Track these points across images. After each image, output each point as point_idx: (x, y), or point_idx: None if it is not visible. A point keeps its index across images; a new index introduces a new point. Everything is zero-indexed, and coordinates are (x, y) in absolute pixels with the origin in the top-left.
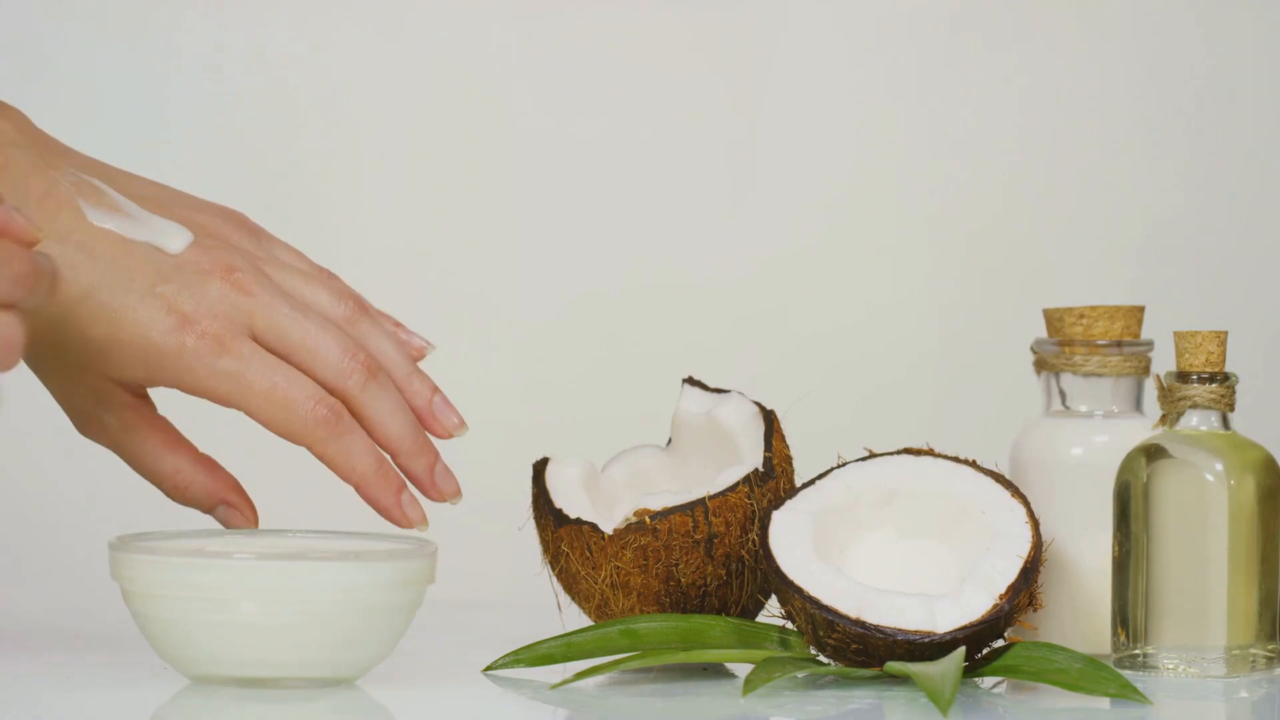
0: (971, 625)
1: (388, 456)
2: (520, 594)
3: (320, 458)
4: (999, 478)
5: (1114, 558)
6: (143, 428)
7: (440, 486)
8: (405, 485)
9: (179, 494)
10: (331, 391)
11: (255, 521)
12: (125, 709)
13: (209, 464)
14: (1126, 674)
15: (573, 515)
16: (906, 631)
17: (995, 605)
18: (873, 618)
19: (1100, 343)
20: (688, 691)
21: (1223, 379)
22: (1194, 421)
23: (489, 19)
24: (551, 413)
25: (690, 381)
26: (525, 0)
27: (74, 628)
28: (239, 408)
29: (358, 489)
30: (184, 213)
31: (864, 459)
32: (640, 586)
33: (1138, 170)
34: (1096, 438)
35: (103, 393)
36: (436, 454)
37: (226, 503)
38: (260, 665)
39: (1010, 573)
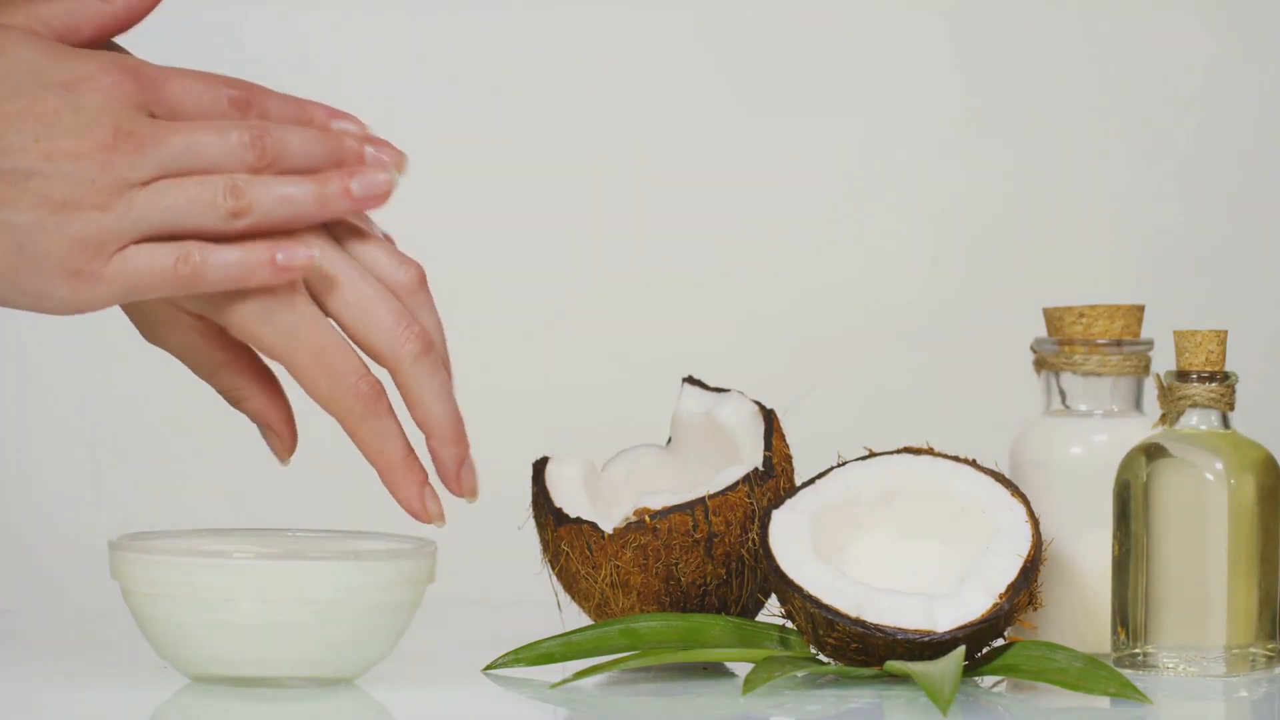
0: (971, 625)
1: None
2: (520, 594)
3: (351, 435)
4: (999, 477)
5: (1114, 557)
6: (203, 346)
7: (464, 481)
8: (427, 479)
9: (232, 404)
10: (380, 361)
11: (286, 453)
12: (125, 709)
13: (270, 386)
14: (1126, 673)
15: (573, 514)
16: (906, 631)
17: (995, 604)
18: (872, 617)
19: (1100, 342)
20: (688, 691)
21: (1222, 378)
22: (1194, 421)
23: (490, 19)
24: (551, 412)
25: (690, 381)
26: (531, 2)
27: (74, 628)
28: (283, 362)
29: (381, 474)
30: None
31: (864, 458)
32: (640, 586)
33: (1138, 170)
34: (1096, 437)
35: (166, 313)
36: (469, 447)
37: (270, 428)
38: (260, 665)
39: (1010, 572)
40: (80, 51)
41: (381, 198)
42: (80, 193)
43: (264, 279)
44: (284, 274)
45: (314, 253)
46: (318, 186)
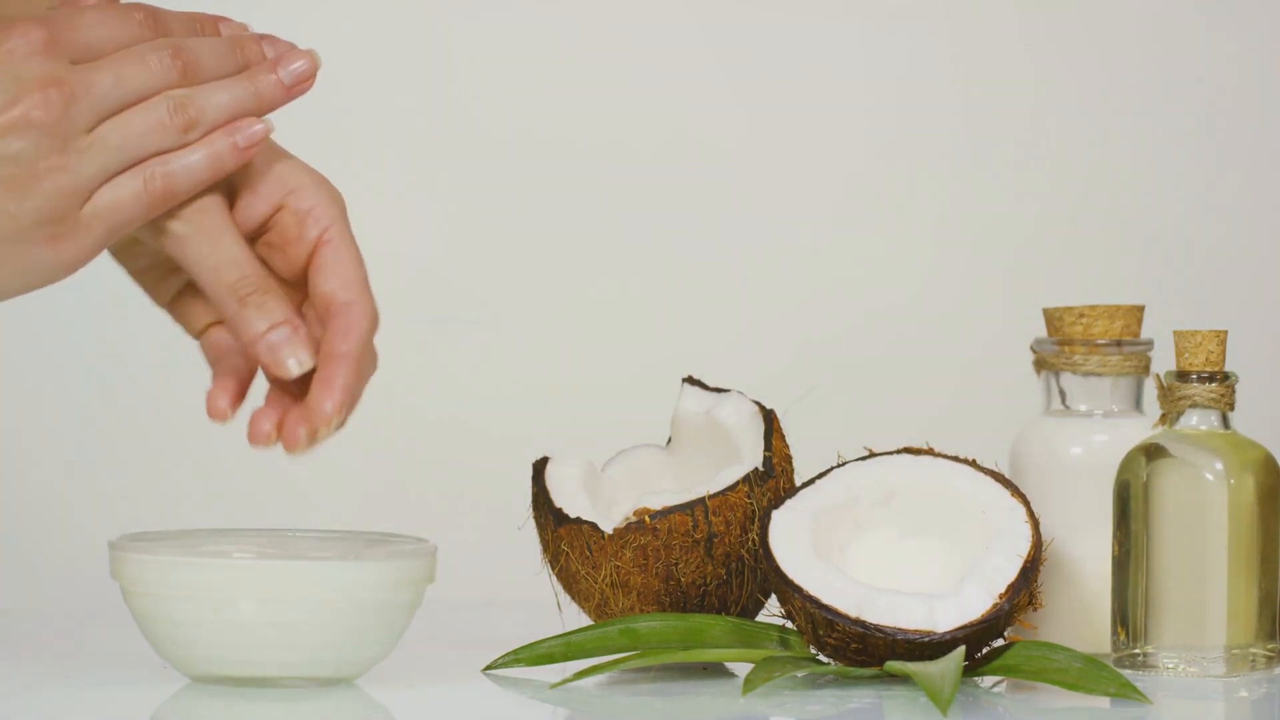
0: (971, 625)
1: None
2: (520, 594)
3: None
4: (999, 477)
5: (1114, 557)
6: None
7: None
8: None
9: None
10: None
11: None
12: (125, 709)
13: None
14: (1126, 673)
15: (573, 515)
16: (906, 631)
17: (995, 605)
18: (872, 617)
19: (1100, 342)
20: (688, 691)
21: (1222, 378)
22: (1194, 421)
23: (492, 20)
24: (552, 412)
25: (690, 381)
26: (528, 1)
27: (74, 628)
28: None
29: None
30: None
31: (864, 458)
32: (640, 586)
33: (1138, 171)
34: (1096, 437)
35: (162, 263)
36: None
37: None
38: (260, 665)
39: (1010, 572)
40: None
41: (308, 79)
42: (31, 160)
43: (233, 164)
44: (250, 152)
45: (270, 122)
46: (251, 83)
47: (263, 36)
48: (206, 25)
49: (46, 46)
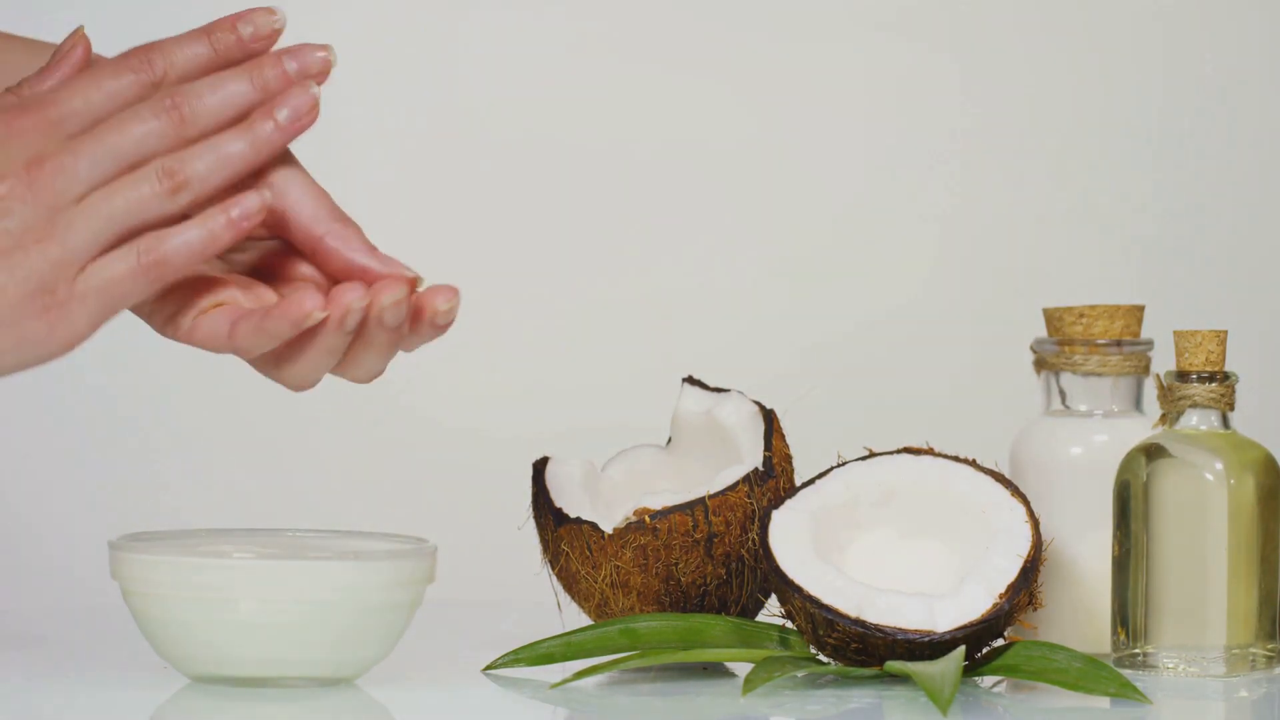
0: (971, 625)
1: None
2: (520, 594)
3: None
4: (999, 477)
5: (1114, 557)
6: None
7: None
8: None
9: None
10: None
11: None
12: (125, 709)
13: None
14: (1126, 673)
15: (573, 515)
16: (906, 631)
17: (995, 604)
18: (872, 617)
19: (1100, 342)
20: (688, 691)
21: (1222, 378)
22: (1194, 421)
23: (495, 21)
24: (552, 413)
25: (690, 381)
26: (530, 2)
27: (74, 628)
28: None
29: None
30: None
31: (864, 458)
32: (640, 586)
33: (1138, 171)
34: (1096, 437)
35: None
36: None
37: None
38: (260, 665)
39: (1010, 572)
40: None
41: (310, 115)
42: (18, 233)
43: (229, 240)
44: (246, 226)
45: (265, 194)
46: (247, 135)
47: (285, 51)
48: (222, 32)
49: (34, 127)
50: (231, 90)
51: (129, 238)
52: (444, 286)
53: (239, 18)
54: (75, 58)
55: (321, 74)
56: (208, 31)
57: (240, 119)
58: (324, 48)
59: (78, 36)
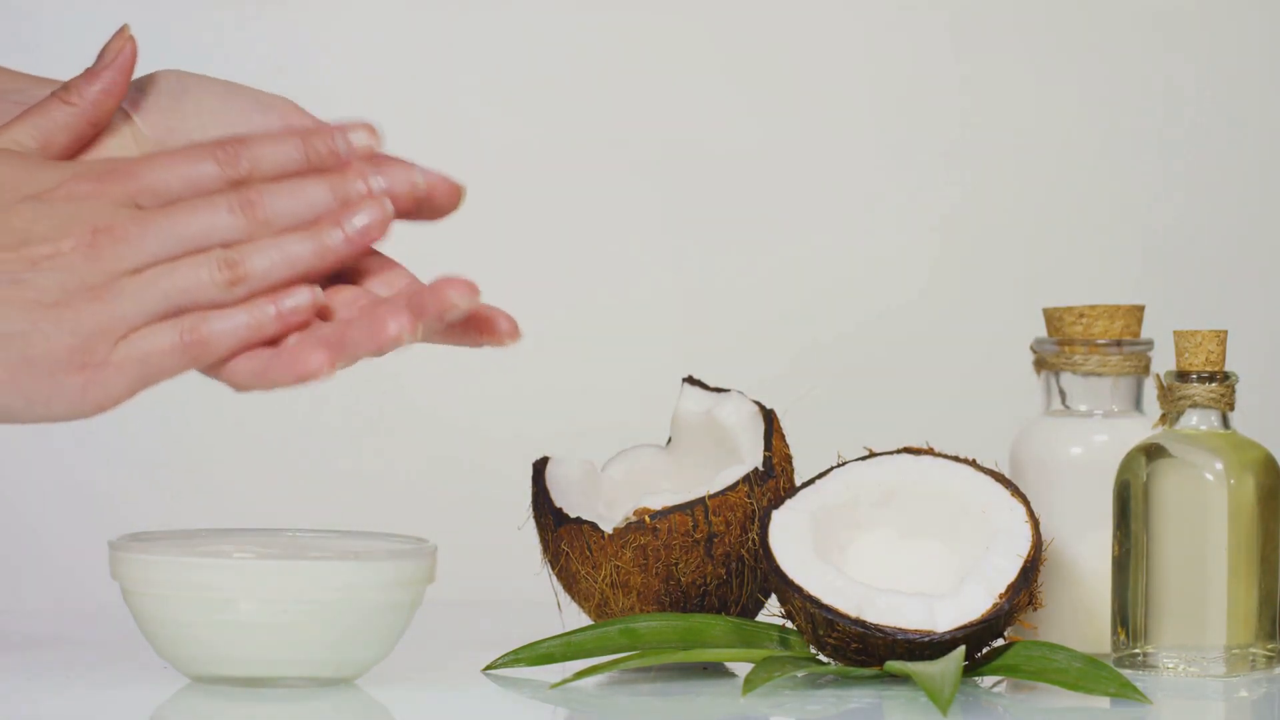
0: (971, 624)
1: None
2: (520, 594)
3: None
4: (999, 477)
5: (1114, 557)
6: None
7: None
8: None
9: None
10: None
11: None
12: (125, 709)
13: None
14: (1126, 673)
15: (573, 515)
16: (906, 631)
17: (995, 604)
18: (872, 617)
19: (1100, 342)
20: (688, 691)
21: (1222, 378)
22: (1194, 421)
23: (492, 20)
24: (552, 413)
25: (690, 381)
26: (530, 2)
27: (74, 628)
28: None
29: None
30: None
31: (864, 458)
32: (640, 586)
33: (1138, 171)
34: (1096, 437)
35: None
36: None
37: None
38: (260, 665)
39: (1010, 572)
40: (53, 164)
41: (379, 231)
42: (70, 289)
43: (273, 332)
44: (294, 321)
45: (318, 291)
46: (313, 240)
47: (377, 166)
48: (319, 141)
49: (108, 195)
50: (311, 197)
51: (176, 315)
52: (459, 281)
53: (340, 130)
54: (123, 60)
55: (408, 199)
56: (304, 136)
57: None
58: (416, 172)
59: (124, 37)
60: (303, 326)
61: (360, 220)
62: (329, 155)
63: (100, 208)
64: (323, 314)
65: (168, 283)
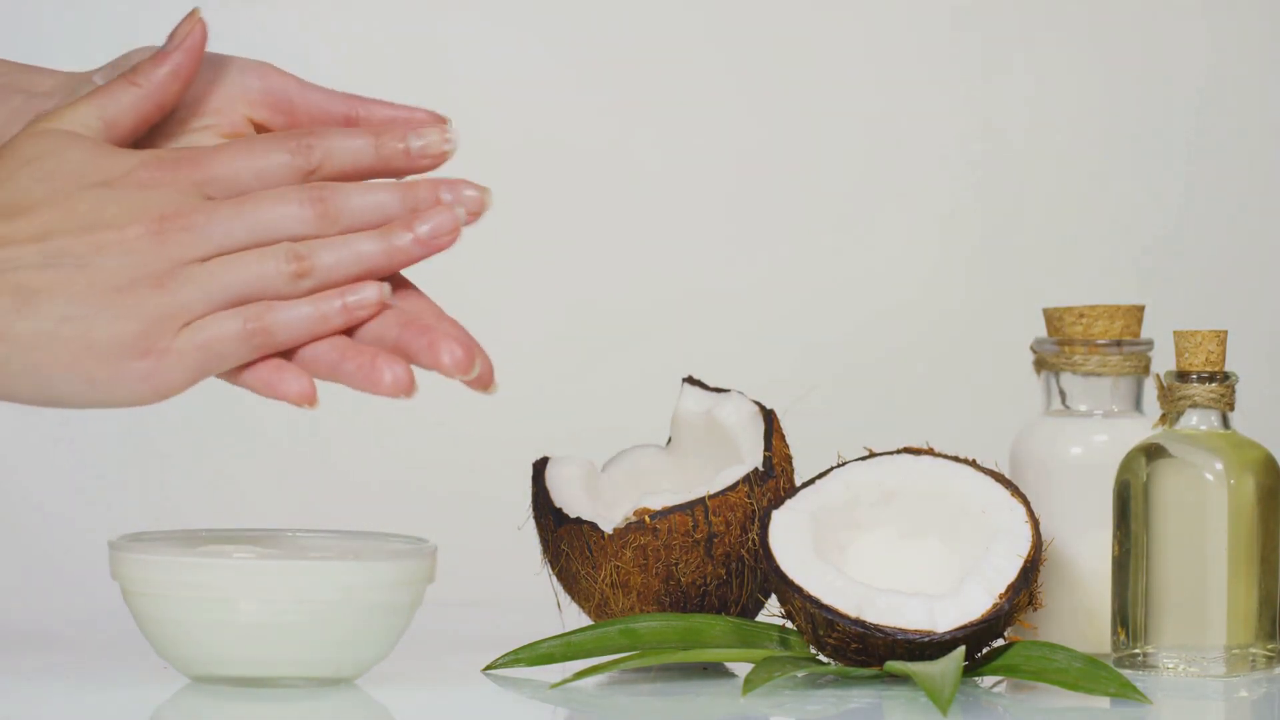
0: (971, 625)
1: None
2: (520, 594)
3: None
4: (999, 477)
5: (1114, 557)
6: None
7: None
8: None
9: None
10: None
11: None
12: (125, 709)
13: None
14: (1126, 673)
15: (573, 515)
16: (906, 631)
17: (995, 605)
18: (872, 617)
19: (1100, 342)
20: (688, 691)
21: (1222, 378)
22: (1194, 421)
23: (490, 20)
24: (552, 412)
25: (690, 381)
26: (529, 1)
27: (74, 628)
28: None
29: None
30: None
31: (864, 458)
32: (640, 586)
33: (1138, 171)
34: (1096, 437)
35: None
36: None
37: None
38: (260, 665)
39: (1010, 572)
40: (122, 150)
41: (450, 237)
42: (135, 274)
43: (339, 326)
44: (361, 316)
45: (385, 288)
46: (383, 241)
47: (443, 183)
48: (390, 138)
49: (176, 183)
50: (381, 201)
51: (239, 305)
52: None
53: (412, 127)
54: (192, 43)
55: (473, 214)
56: (376, 132)
57: (380, 224)
58: (482, 190)
59: (194, 21)
60: (367, 322)
61: (431, 225)
62: (401, 155)
63: (169, 195)
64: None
65: (234, 273)
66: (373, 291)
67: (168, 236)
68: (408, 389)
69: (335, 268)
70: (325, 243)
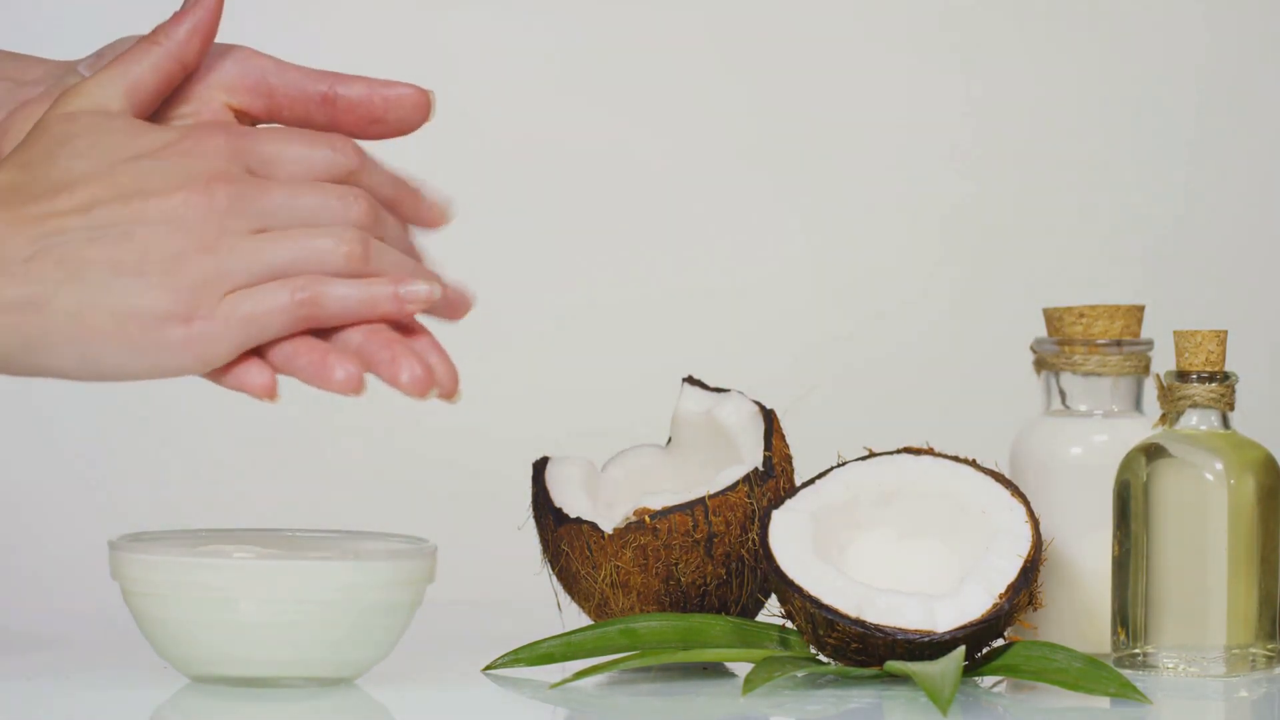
0: (971, 625)
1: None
2: (520, 594)
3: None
4: (999, 477)
5: (1114, 557)
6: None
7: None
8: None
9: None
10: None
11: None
12: (125, 709)
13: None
14: (1126, 673)
15: (572, 515)
16: (906, 631)
17: (995, 605)
18: (872, 617)
19: (1100, 342)
20: (687, 691)
21: (1222, 378)
22: (1194, 421)
23: (491, 20)
24: (551, 412)
25: (690, 381)
26: (528, 1)
27: (74, 628)
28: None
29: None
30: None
31: (864, 458)
32: (640, 586)
33: (1138, 171)
34: (1096, 437)
35: None
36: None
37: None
38: (260, 665)
39: (1010, 572)
40: (158, 126)
41: (461, 311)
42: (183, 242)
43: (386, 312)
44: (406, 308)
45: (438, 288)
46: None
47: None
48: (405, 200)
49: (223, 153)
50: (400, 247)
51: (285, 278)
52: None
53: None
54: (209, 2)
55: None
56: (396, 193)
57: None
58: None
59: None
60: (409, 314)
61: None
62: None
63: (214, 163)
64: (407, 327)
65: (285, 248)
66: (424, 288)
67: (215, 199)
68: (358, 387)
69: (388, 260)
70: (380, 244)
